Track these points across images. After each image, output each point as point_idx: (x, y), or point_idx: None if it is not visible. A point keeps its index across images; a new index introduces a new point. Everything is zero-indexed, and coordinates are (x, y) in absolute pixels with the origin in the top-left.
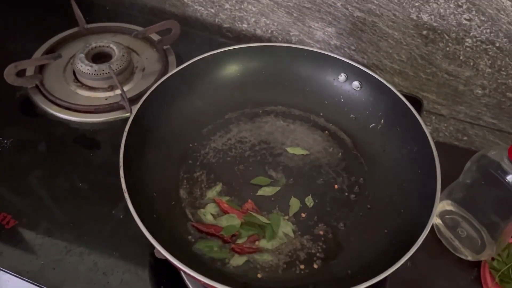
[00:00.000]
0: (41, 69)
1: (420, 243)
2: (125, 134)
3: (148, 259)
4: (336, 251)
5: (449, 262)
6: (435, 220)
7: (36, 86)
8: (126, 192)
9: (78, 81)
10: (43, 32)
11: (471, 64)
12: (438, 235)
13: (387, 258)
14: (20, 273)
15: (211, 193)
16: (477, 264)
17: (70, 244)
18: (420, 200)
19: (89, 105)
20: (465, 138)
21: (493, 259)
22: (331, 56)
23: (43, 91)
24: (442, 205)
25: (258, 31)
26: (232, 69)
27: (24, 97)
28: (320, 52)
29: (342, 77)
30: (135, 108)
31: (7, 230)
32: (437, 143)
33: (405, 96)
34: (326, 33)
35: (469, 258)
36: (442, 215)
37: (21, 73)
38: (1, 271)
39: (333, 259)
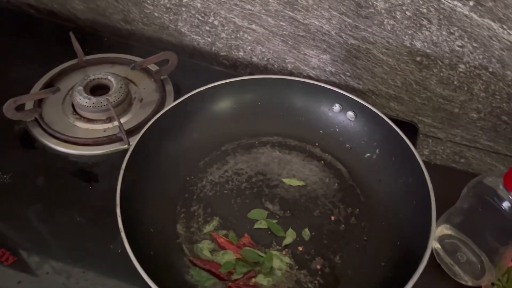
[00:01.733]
0: (40, 102)
1: (417, 278)
2: (121, 172)
3: None
4: (333, 286)
5: (449, 287)
6: (434, 244)
7: (35, 119)
8: (123, 231)
9: (77, 113)
10: (42, 64)
11: (465, 88)
12: (438, 260)
13: None
14: None
15: (208, 228)
16: None
17: (69, 279)
18: (415, 231)
19: (88, 138)
20: (463, 160)
21: (493, 284)
22: (325, 87)
23: (42, 124)
24: (441, 229)
25: (254, 59)
26: (228, 101)
27: (23, 130)
28: (314, 84)
29: (336, 107)
30: (132, 144)
31: (6, 266)
32: (434, 166)
33: (401, 121)
34: (321, 60)
35: (469, 284)
36: (441, 240)
37: (20, 107)
38: None
39: None
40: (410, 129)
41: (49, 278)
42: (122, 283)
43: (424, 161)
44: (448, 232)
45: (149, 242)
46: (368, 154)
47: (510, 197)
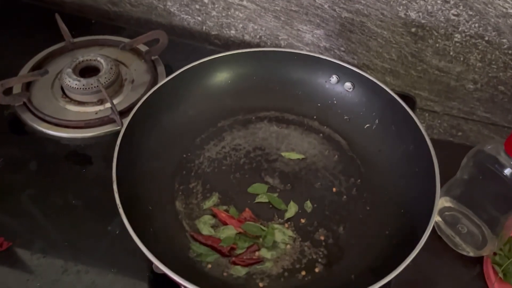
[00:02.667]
0: (28, 86)
1: (422, 244)
2: (116, 148)
3: (147, 274)
4: (338, 256)
5: (451, 259)
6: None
7: (24, 103)
8: (121, 207)
9: (67, 96)
10: (29, 48)
11: (462, 59)
12: (439, 233)
13: (390, 260)
14: None
15: (208, 204)
16: (479, 260)
17: (67, 263)
18: (419, 199)
19: (79, 120)
20: (460, 133)
21: (495, 254)
22: (321, 58)
23: (31, 109)
24: (441, 202)
25: (247, 37)
26: (222, 77)
27: (12, 115)
28: (310, 55)
29: (333, 79)
30: (126, 121)
31: (1, 252)
32: (432, 140)
33: (398, 94)
34: (315, 36)
35: (471, 254)
36: (441, 212)
37: (8, 91)
38: None
39: (335, 264)
40: (408, 102)
41: (46, 261)
42: (122, 264)
43: None
44: (448, 204)
45: (148, 220)
46: (367, 125)
47: None
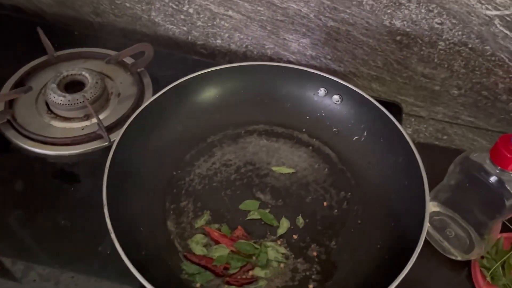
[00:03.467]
0: (11, 103)
1: (414, 260)
2: (106, 170)
3: None
4: (331, 271)
5: (439, 263)
6: None
7: (8, 121)
8: (113, 232)
9: (52, 112)
10: (10, 63)
11: (446, 66)
12: (427, 237)
13: (382, 275)
14: None
15: (200, 222)
16: (467, 264)
17: (58, 285)
18: (410, 211)
19: (66, 137)
20: (445, 137)
21: (482, 257)
22: (309, 71)
23: (15, 126)
24: (429, 206)
25: (233, 46)
26: (210, 92)
27: None
28: (298, 68)
29: (321, 91)
30: (115, 141)
31: None
32: (418, 144)
33: (384, 102)
34: (301, 44)
35: (459, 258)
36: (430, 217)
37: None
38: None
39: (328, 280)
40: (394, 109)
41: (37, 285)
42: (115, 285)
43: None
44: (436, 209)
45: (140, 241)
46: (356, 137)
47: (497, 171)
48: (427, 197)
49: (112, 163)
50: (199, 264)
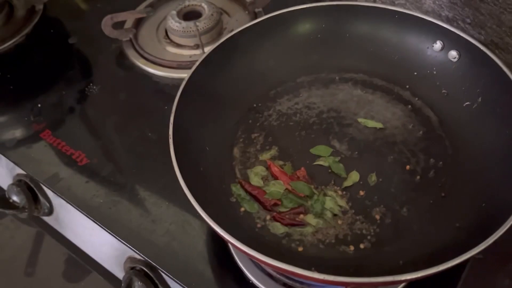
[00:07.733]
0: (137, 24)
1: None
2: (181, 87)
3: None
4: (391, 238)
5: None
6: None
7: (130, 40)
8: (171, 138)
9: (168, 38)
10: None
11: None
12: None
13: (451, 257)
14: (79, 207)
15: (265, 155)
16: None
17: (129, 188)
18: (508, 197)
19: (172, 61)
20: None
21: None
22: (426, 19)
23: (135, 45)
24: None
25: None
26: (312, 29)
27: (118, 49)
28: (413, 15)
29: (437, 45)
30: (202, 56)
31: (79, 167)
32: None
33: None
34: (437, 2)
35: None
36: None
37: (119, 26)
38: (66, 202)
39: (386, 245)
40: None
41: (113, 183)
42: (174, 201)
43: None
44: None
45: (201, 157)
46: (467, 103)
47: None
48: None
49: (193, 77)
50: (251, 193)
